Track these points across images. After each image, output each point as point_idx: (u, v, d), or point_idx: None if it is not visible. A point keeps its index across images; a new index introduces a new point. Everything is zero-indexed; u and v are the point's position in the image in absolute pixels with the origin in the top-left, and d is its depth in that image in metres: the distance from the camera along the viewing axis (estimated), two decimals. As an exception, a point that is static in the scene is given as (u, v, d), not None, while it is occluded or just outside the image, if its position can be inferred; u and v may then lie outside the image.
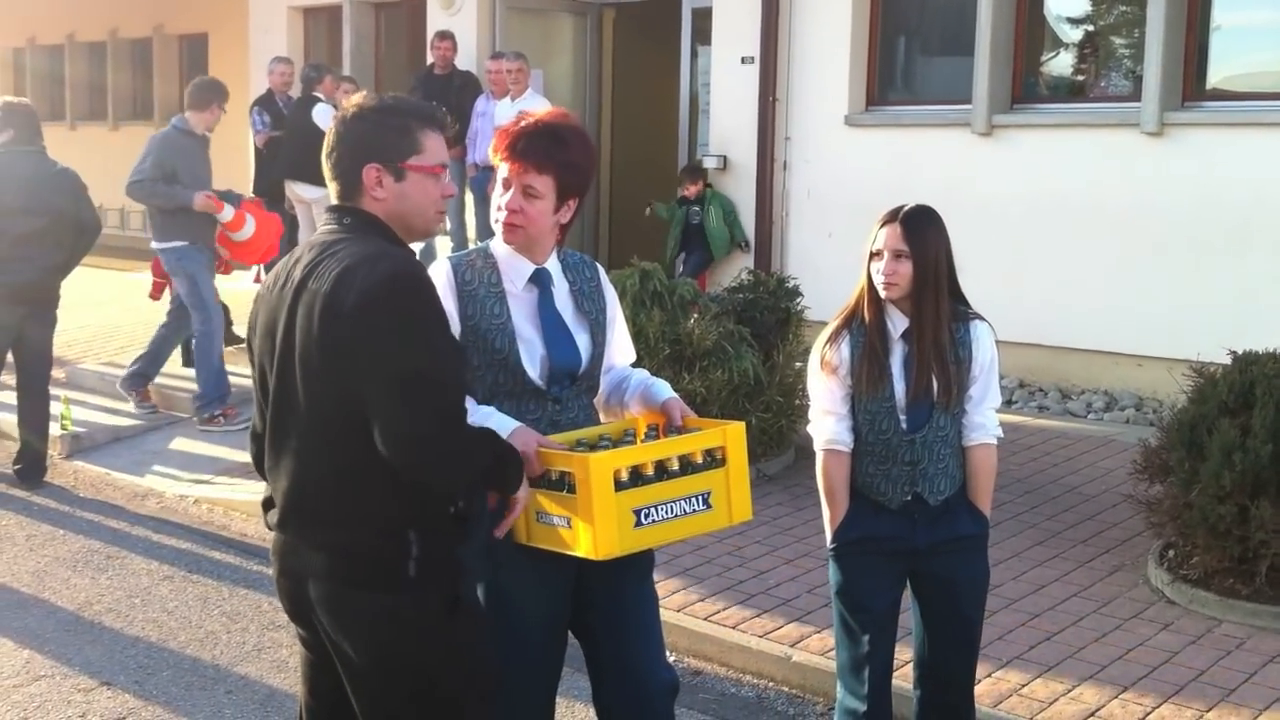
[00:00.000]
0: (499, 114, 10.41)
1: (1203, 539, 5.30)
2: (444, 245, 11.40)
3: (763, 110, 10.23)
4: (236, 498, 7.62)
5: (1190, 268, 8.33)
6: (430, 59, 11.79)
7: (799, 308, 7.65)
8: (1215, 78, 8.72)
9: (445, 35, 11.62)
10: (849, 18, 9.86)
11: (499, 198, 3.45)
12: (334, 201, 3.08)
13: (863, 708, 3.89)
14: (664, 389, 3.57)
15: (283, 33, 14.15)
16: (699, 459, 3.37)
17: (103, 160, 18.95)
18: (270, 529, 3.09)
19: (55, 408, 9.17)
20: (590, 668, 3.57)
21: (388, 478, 2.87)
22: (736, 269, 9.19)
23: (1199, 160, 8.33)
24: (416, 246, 3.21)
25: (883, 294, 3.71)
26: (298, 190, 10.86)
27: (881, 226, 3.73)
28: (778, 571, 5.95)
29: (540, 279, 3.48)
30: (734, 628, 5.40)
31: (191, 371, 10.11)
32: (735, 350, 6.95)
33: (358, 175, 3.00)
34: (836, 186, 9.96)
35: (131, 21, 18.45)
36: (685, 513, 3.35)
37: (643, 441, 3.43)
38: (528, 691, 3.48)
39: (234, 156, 14.85)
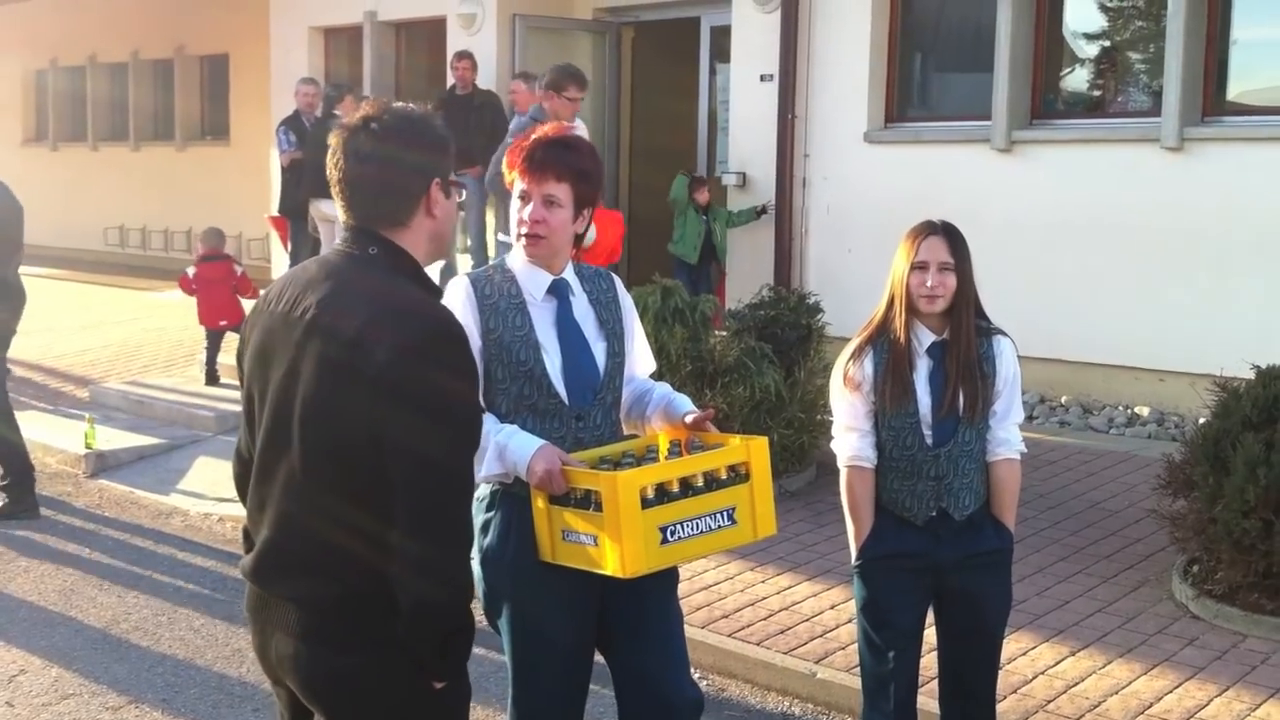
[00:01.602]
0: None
1: (1227, 554, 5.30)
2: (464, 263, 11.46)
3: (782, 128, 10.27)
4: (260, 516, 7.65)
5: (1211, 282, 8.33)
6: (451, 79, 11.84)
7: (820, 324, 7.67)
8: (1235, 92, 8.73)
9: (464, 55, 11.68)
10: (868, 35, 9.89)
11: (519, 212, 3.48)
12: (357, 224, 2.83)
13: None
14: (685, 404, 3.59)
15: (304, 53, 14.23)
16: (723, 475, 3.38)
17: (124, 180, 19.16)
18: (243, 575, 2.89)
19: (79, 426, 9.28)
20: (616, 685, 3.57)
21: (375, 534, 2.66)
22: (758, 284, 9.21)
23: (1219, 175, 8.32)
24: (436, 265, 3.16)
25: (923, 307, 3.71)
26: (323, 209, 10.92)
27: (923, 239, 3.72)
28: (800, 588, 5.95)
29: (559, 289, 3.51)
30: (758, 644, 5.40)
31: (213, 390, 10.20)
32: (757, 367, 6.97)
33: (421, 192, 2.81)
34: (856, 203, 9.98)
35: (153, 42, 18.57)
36: (711, 529, 3.36)
37: (665, 458, 3.45)
38: (553, 711, 3.50)
39: (260, 177, 14.98)
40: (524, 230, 3.47)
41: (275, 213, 12.62)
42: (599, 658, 3.57)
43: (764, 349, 7.14)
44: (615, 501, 3.17)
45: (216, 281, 10.42)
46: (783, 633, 5.51)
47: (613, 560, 3.22)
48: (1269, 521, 5.14)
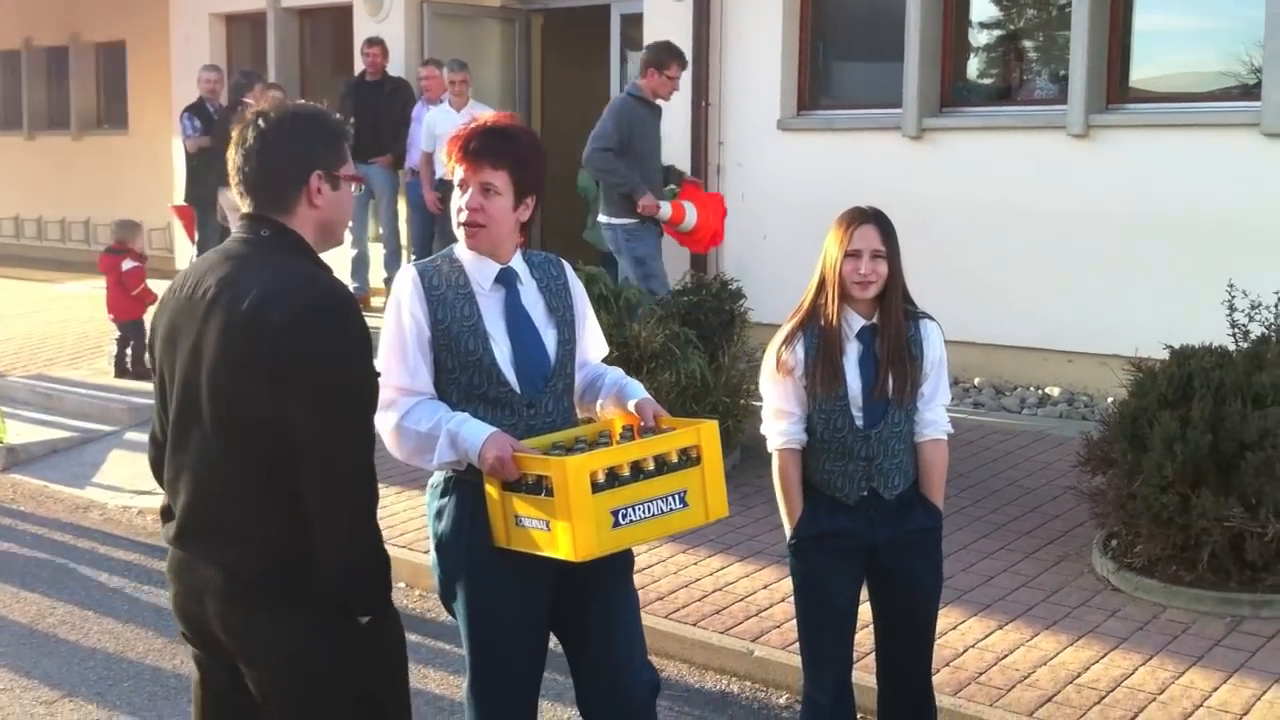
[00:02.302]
0: (446, 123, 10.38)
1: (1146, 528, 5.47)
2: (375, 251, 11.40)
3: (695, 115, 10.33)
4: (182, 508, 7.58)
5: (1117, 265, 8.55)
6: (361, 66, 11.75)
7: (742, 309, 7.76)
8: (1138, 80, 8.96)
9: (374, 41, 11.60)
10: (780, 23, 9.99)
11: (458, 200, 3.50)
12: (252, 210, 3.02)
13: (827, 698, 4.01)
14: (637, 389, 3.63)
15: (205, 40, 14.03)
16: (674, 458, 3.43)
17: (18, 170, 18.72)
18: (167, 543, 3.03)
19: (-12, 421, 9.10)
20: (573, 669, 3.62)
21: (290, 496, 2.83)
22: (675, 271, 9.28)
23: (1123, 161, 8.55)
24: (346, 254, 3.23)
25: (856, 293, 3.81)
26: (232, 197, 10.78)
27: (855, 227, 3.82)
28: (732, 569, 6.04)
29: (506, 278, 3.53)
30: (694, 625, 5.48)
31: (124, 383, 10.03)
32: (682, 352, 7.04)
33: (300, 183, 2.98)
34: (770, 190, 10.08)
35: (46, 30, 18.16)
36: (662, 512, 3.41)
37: (618, 443, 3.50)
38: (510, 696, 3.54)
39: (160, 166, 14.74)
40: (462, 219, 3.49)
41: (180, 202, 12.44)
42: (553, 642, 3.61)
43: (689, 335, 7.21)
44: (565, 486, 3.20)
45: (109, 274, 10.24)
46: (718, 613, 5.59)
47: (565, 544, 3.25)
48: (1185, 496, 5.32)
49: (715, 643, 5.35)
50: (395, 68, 11.88)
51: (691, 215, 8.60)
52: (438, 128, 10.22)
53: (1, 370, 10.86)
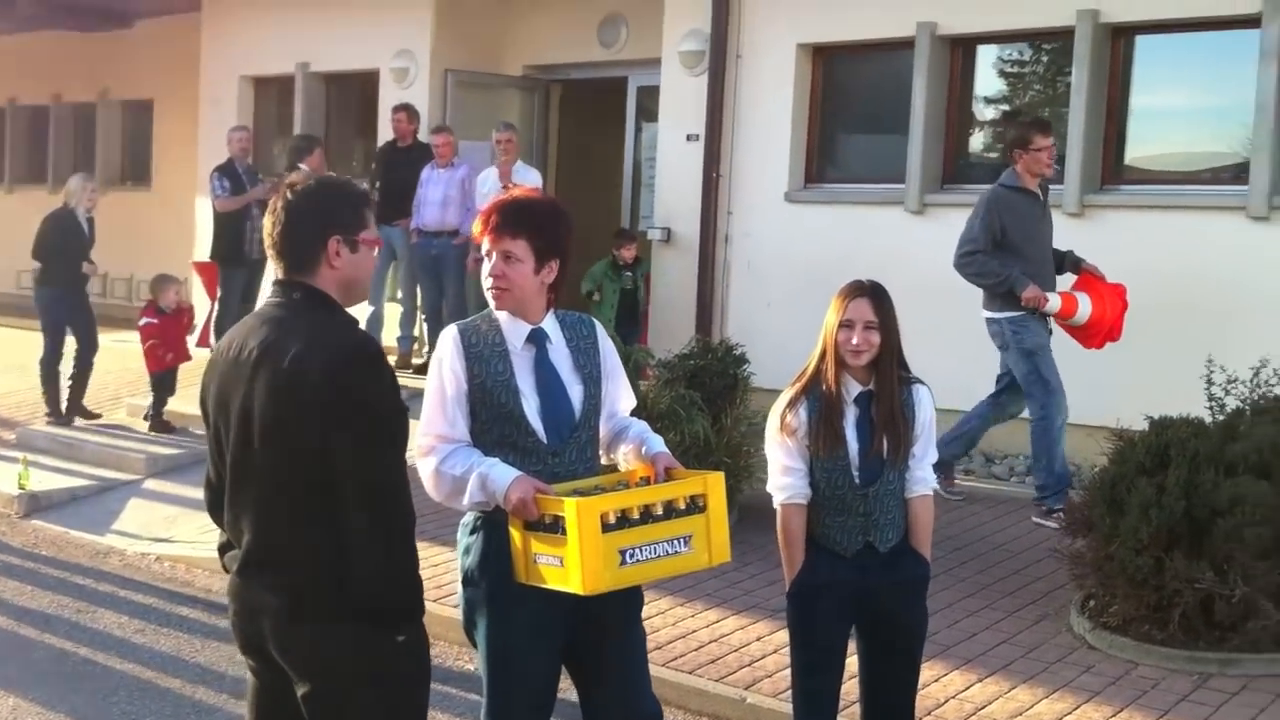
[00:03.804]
0: (491, 184, 10.68)
1: (1122, 588, 5.74)
2: (392, 311, 11.72)
3: (706, 185, 10.67)
4: (197, 555, 7.85)
5: (1106, 340, 8.83)
6: (387, 131, 12.10)
7: (745, 374, 8.05)
8: (1132, 161, 9.29)
9: (400, 108, 11.91)
10: (790, 99, 10.36)
11: (485, 268, 3.84)
12: (280, 275, 3.39)
13: None
14: (657, 443, 3.95)
15: (233, 102, 14.42)
16: (681, 505, 3.73)
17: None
18: (232, 572, 3.39)
19: (8, 467, 9.41)
20: (582, 699, 3.92)
21: (336, 526, 3.17)
22: (681, 335, 9.57)
23: (1115, 240, 8.83)
24: (363, 312, 3.58)
25: (850, 360, 4.12)
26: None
27: (851, 299, 4.15)
28: (728, 622, 6.30)
29: (537, 338, 3.86)
30: (690, 673, 5.74)
31: (141, 431, 10.31)
32: (687, 414, 7.33)
33: (320, 246, 3.33)
34: (776, 259, 10.41)
35: (75, 86, 18.65)
36: (668, 553, 3.70)
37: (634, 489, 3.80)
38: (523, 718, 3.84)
39: (182, 223, 15.10)
40: (488, 286, 3.83)
41: (206, 258, 12.79)
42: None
43: (694, 397, 7.51)
44: (578, 524, 3.50)
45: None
46: (713, 662, 5.85)
47: (575, 578, 3.55)
48: (1159, 559, 5.59)
49: (710, 690, 5.61)
50: (420, 133, 12.22)
51: (1085, 307, 7.82)
52: (484, 187, 10.60)
53: (22, 419, 11.17)
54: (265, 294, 3.52)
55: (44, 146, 19.52)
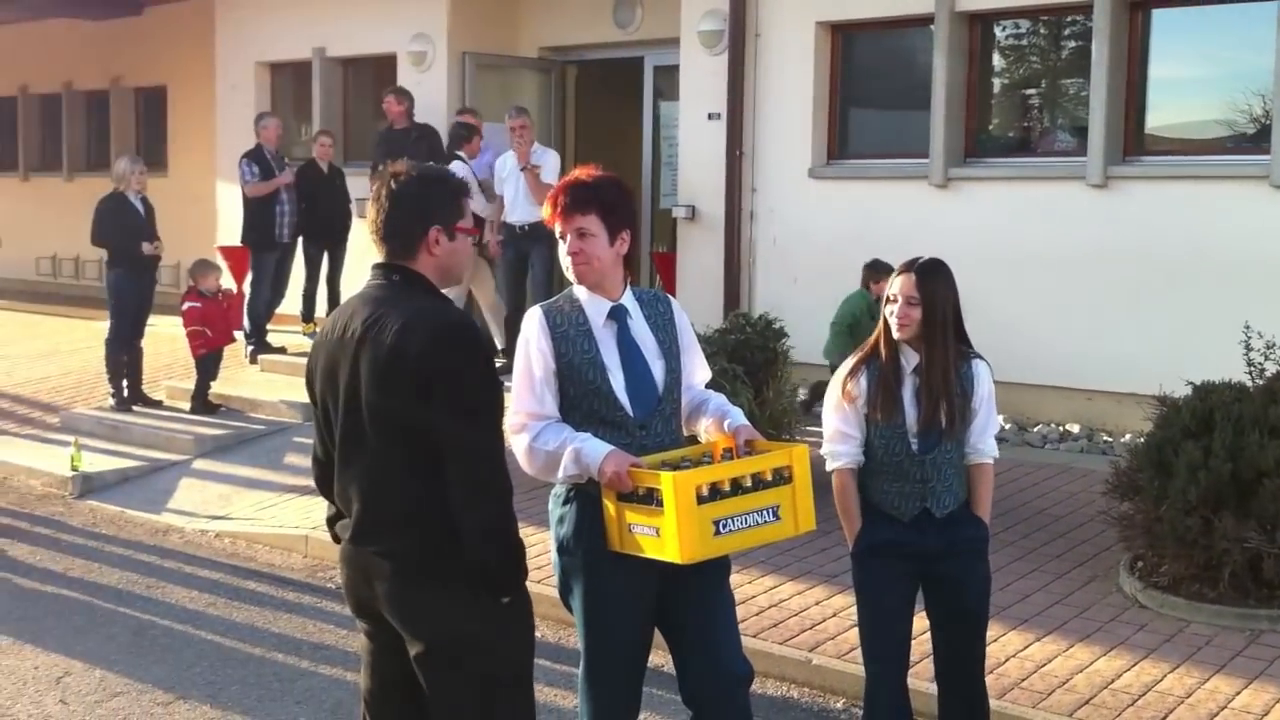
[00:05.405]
0: (510, 167, 10.73)
1: (1171, 549, 5.96)
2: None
3: (730, 164, 10.86)
4: (258, 530, 8.06)
5: (1133, 309, 9.04)
6: (387, 117, 12.20)
7: (785, 347, 8.25)
8: (1153, 133, 9.49)
9: (389, 92, 12.06)
10: (811, 76, 10.53)
11: (563, 248, 4.03)
12: (382, 259, 3.60)
13: (886, 691, 4.48)
14: (737, 415, 4.13)
15: (250, 88, 14.55)
16: (769, 476, 3.93)
17: (57, 212, 19.25)
18: (338, 542, 3.62)
19: (57, 450, 9.60)
20: (676, 661, 4.10)
21: (442, 493, 3.38)
22: (708, 313, 9.75)
23: (1139, 211, 9.06)
24: (452, 293, 3.80)
25: (895, 334, 4.33)
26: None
27: (898, 275, 4.37)
28: (785, 588, 6.51)
29: (618, 314, 4.04)
30: (754, 637, 5.94)
31: (184, 413, 10.48)
32: (731, 387, 7.51)
33: (421, 235, 3.54)
34: (800, 235, 10.60)
35: (87, 74, 18.74)
36: (758, 523, 3.91)
37: (719, 463, 3.99)
38: (619, 679, 4.05)
39: (200, 208, 15.24)
40: (568, 262, 4.01)
41: (230, 243, 12.94)
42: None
43: (736, 370, 7.70)
44: (674, 498, 3.70)
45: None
46: (774, 626, 6.06)
47: (672, 548, 3.75)
48: (1208, 519, 5.81)
49: (776, 653, 5.82)
50: (436, 115, 12.35)
51: None
52: (503, 170, 10.73)
53: (63, 404, 11.34)
54: (362, 278, 3.71)
55: (58, 135, 19.63)
